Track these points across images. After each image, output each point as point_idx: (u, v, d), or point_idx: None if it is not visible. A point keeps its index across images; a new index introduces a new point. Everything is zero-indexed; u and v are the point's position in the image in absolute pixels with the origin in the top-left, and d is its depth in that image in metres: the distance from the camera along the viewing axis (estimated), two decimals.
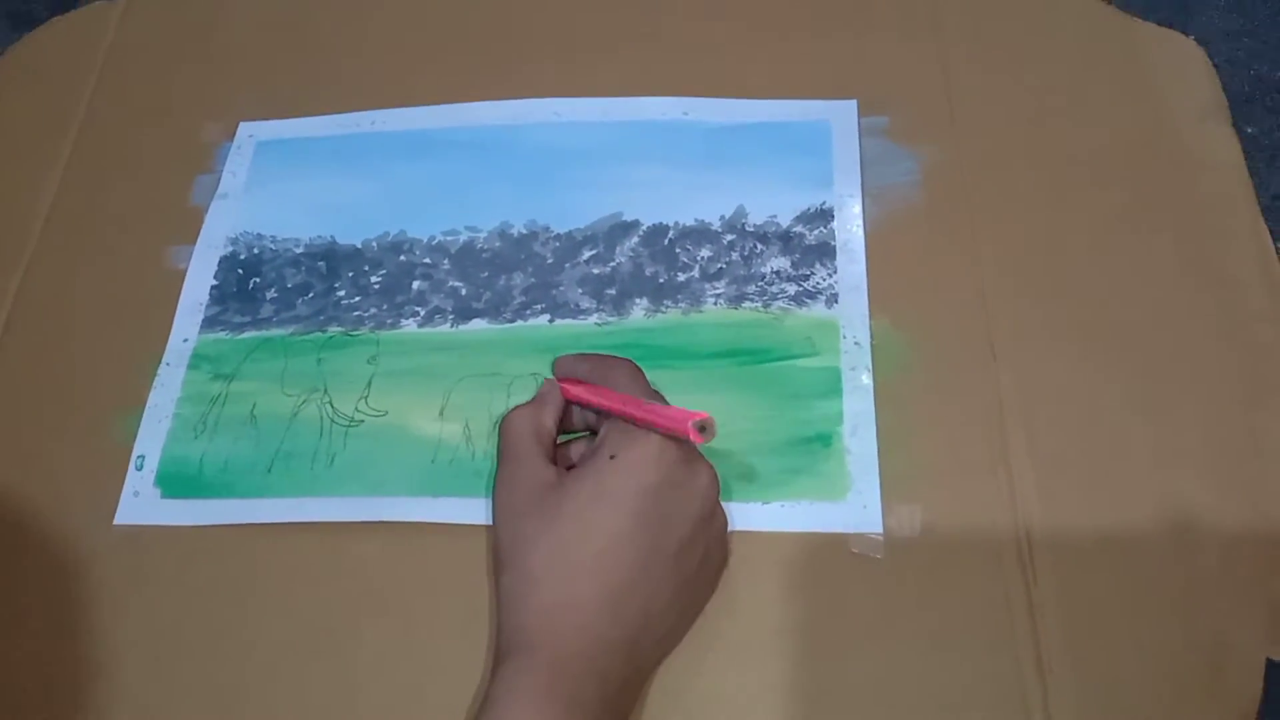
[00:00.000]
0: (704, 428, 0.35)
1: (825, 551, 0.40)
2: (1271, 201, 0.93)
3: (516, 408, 0.42)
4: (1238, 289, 0.45)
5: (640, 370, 0.42)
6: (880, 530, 0.41)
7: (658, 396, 0.41)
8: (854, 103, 0.51)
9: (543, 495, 0.38)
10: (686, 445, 0.38)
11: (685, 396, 0.43)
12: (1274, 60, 0.98)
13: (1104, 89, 0.51)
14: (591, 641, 0.35)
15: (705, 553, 0.38)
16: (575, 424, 0.43)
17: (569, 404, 0.42)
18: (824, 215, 0.48)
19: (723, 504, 0.40)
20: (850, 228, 0.48)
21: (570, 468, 0.40)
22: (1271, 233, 0.46)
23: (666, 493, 0.37)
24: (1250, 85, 0.97)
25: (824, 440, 0.42)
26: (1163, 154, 0.48)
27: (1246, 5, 1.00)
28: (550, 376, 0.44)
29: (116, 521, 0.44)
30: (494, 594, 0.39)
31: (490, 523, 0.41)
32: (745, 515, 0.41)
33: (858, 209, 0.48)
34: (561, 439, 0.43)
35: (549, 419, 0.41)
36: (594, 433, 0.42)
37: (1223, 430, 0.42)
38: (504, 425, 0.41)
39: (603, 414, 0.41)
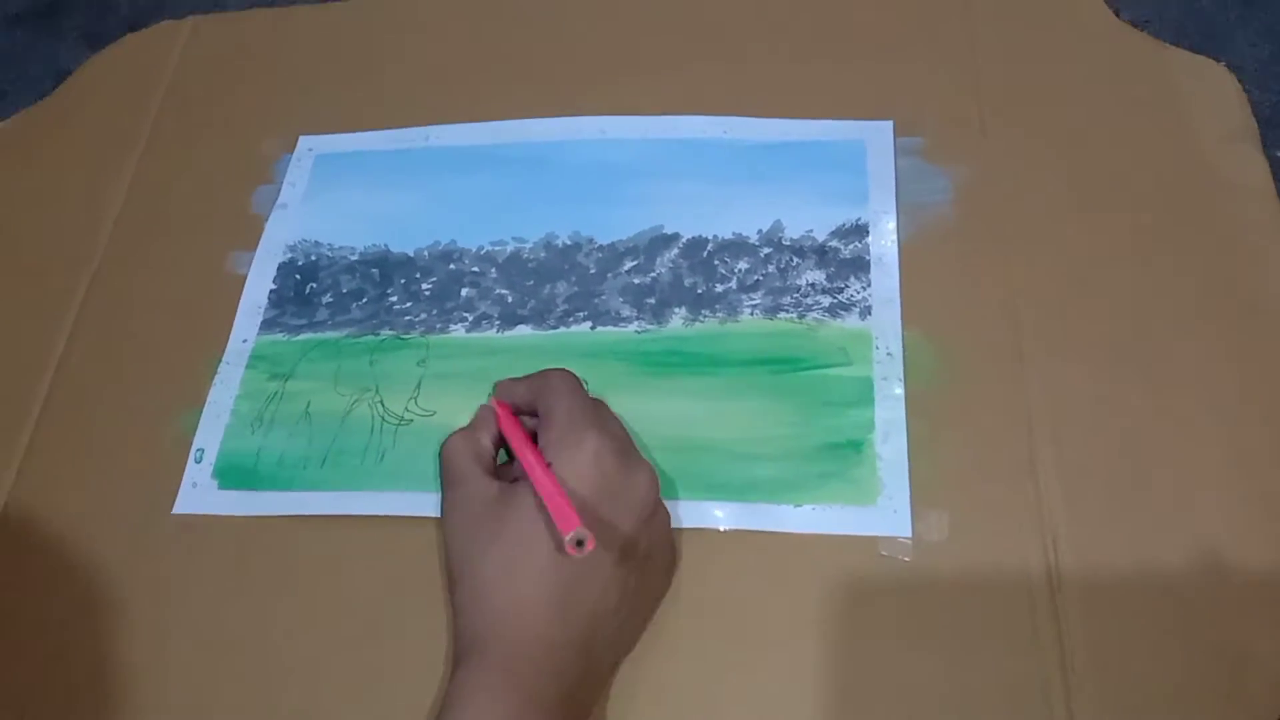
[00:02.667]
0: (580, 542, 0.34)
1: (855, 554, 0.42)
2: None
3: (452, 434, 0.43)
4: (1263, 307, 0.45)
5: (578, 381, 0.42)
6: (909, 534, 0.42)
7: (597, 406, 0.42)
8: (890, 123, 0.52)
9: (487, 509, 0.39)
10: (623, 445, 0.40)
11: (721, 402, 0.45)
12: None
13: (1135, 112, 0.52)
14: (541, 642, 0.36)
15: (647, 552, 0.39)
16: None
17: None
18: (859, 230, 0.50)
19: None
20: (884, 243, 0.49)
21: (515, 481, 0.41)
22: None
23: (604, 498, 0.38)
24: (1279, 110, 0.97)
25: (855, 446, 0.44)
26: (1192, 176, 0.49)
27: (1276, 33, 1.01)
28: (487, 403, 0.45)
29: (175, 511, 0.46)
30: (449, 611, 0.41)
31: None
32: (778, 517, 0.43)
33: (892, 225, 0.49)
34: (503, 461, 0.44)
35: (485, 440, 0.43)
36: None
37: (1247, 445, 0.42)
38: (442, 452, 0.43)
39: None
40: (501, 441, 0.43)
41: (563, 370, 0.43)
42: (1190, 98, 0.52)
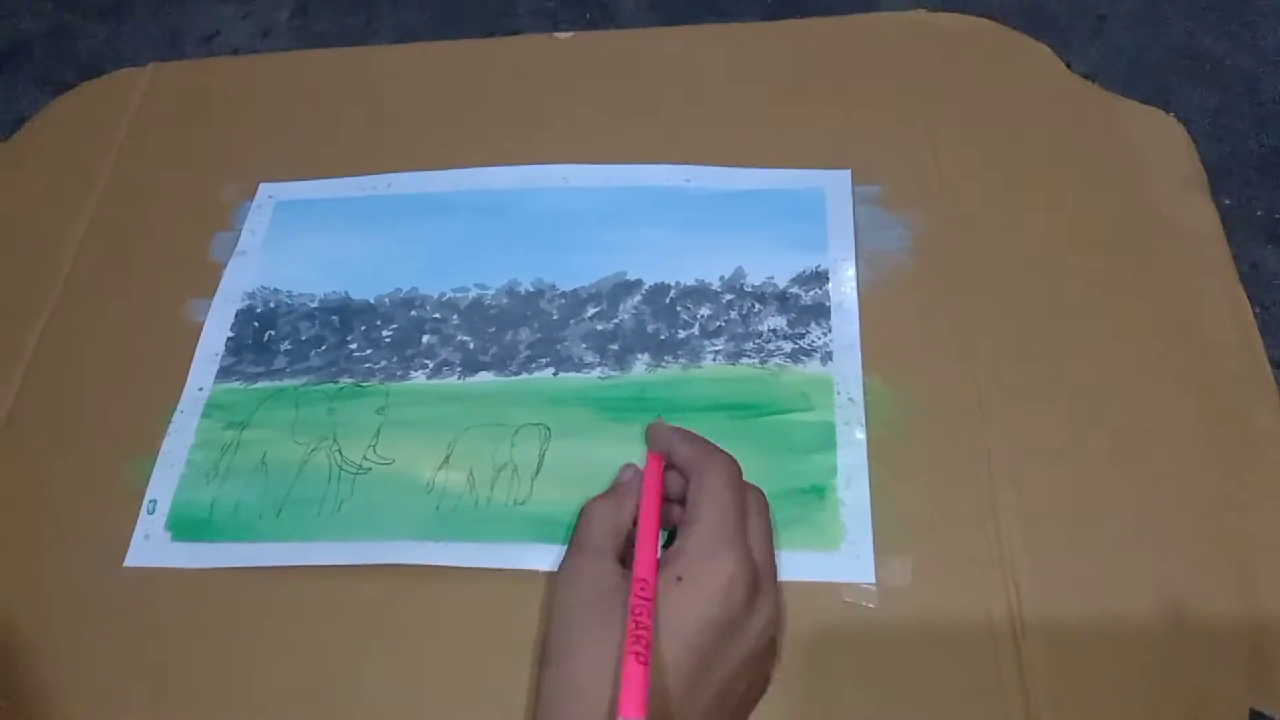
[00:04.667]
0: None
1: (819, 600, 0.41)
2: (1249, 270, 0.95)
3: (598, 499, 0.41)
4: (1217, 352, 0.46)
5: (739, 474, 0.39)
6: (873, 580, 0.42)
7: (746, 512, 0.38)
8: (848, 172, 0.53)
9: (602, 598, 0.36)
10: (759, 575, 0.36)
11: None
12: (1249, 135, 1.01)
13: (1088, 161, 0.53)
14: None
15: (748, 688, 0.37)
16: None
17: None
18: (819, 277, 0.50)
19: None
20: (844, 289, 0.49)
21: None
22: (1249, 298, 0.48)
23: (726, 630, 0.35)
24: (1227, 159, 1.00)
25: (818, 492, 0.44)
26: (1144, 224, 0.50)
27: (1223, 83, 1.04)
28: (634, 466, 0.43)
29: (127, 563, 0.45)
30: (533, 684, 0.39)
31: (494, 565, 0.43)
32: None
33: (851, 272, 0.50)
34: None
35: (627, 515, 0.40)
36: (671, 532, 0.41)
37: (1203, 487, 0.43)
38: (584, 515, 0.40)
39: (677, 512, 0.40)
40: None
41: (728, 458, 0.40)
42: (1141, 147, 0.53)
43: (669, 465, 0.42)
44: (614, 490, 0.42)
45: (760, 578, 0.37)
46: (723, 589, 0.35)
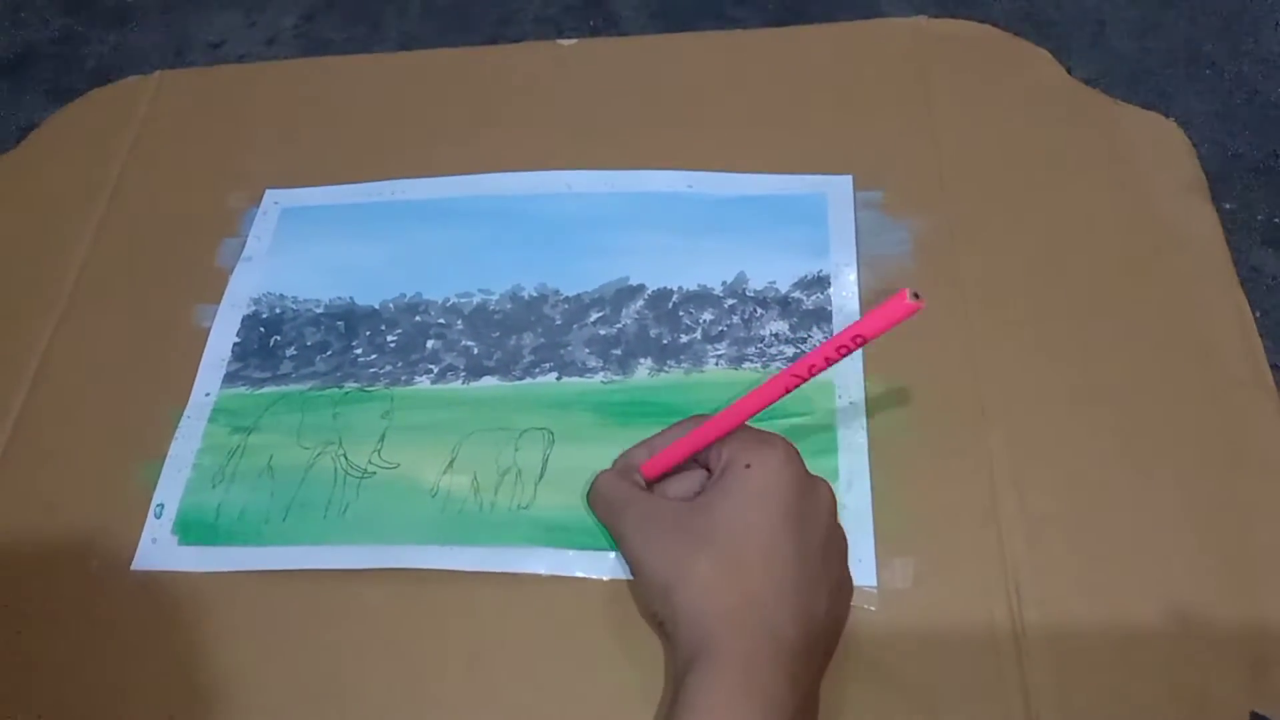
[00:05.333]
0: (917, 294, 0.33)
1: None
2: (1249, 273, 0.96)
3: (599, 475, 0.43)
4: (1217, 355, 0.46)
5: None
6: (875, 583, 0.42)
7: None
8: (849, 177, 0.54)
9: (684, 518, 0.39)
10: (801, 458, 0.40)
11: None
12: (1249, 140, 1.02)
13: (1089, 166, 0.53)
14: (775, 639, 0.35)
15: (841, 558, 0.40)
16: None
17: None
18: (821, 282, 0.50)
19: None
20: (845, 294, 0.50)
21: None
22: (1249, 302, 0.48)
23: (804, 496, 0.38)
24: (1227, 164, 1.00)
25: None
26: (1145, 228, 0.51)
27: (1223, 89, 1.04)
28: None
29: (134, 567, 0.46)
30: (656, 623, 0.41)
31: (498, 569, 0.43)
32: None
33: (853, 276, 0.50)
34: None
35: (635, 474, 0.43)
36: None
37: (1204, 489, 0.43)
38: (596, 490, 0.43)
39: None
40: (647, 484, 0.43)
41: (699, 416, 0.43)
42: (1141, 152, 0.53)
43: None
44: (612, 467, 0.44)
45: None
46: (785, 459, 0.39)
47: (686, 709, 0.34)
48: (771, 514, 0.37)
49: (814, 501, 0.39)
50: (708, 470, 0.41)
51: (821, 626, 0.38)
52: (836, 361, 0.36)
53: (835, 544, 0.40)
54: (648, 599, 0.41)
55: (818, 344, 0.48)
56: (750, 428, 0.40)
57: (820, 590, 0.38)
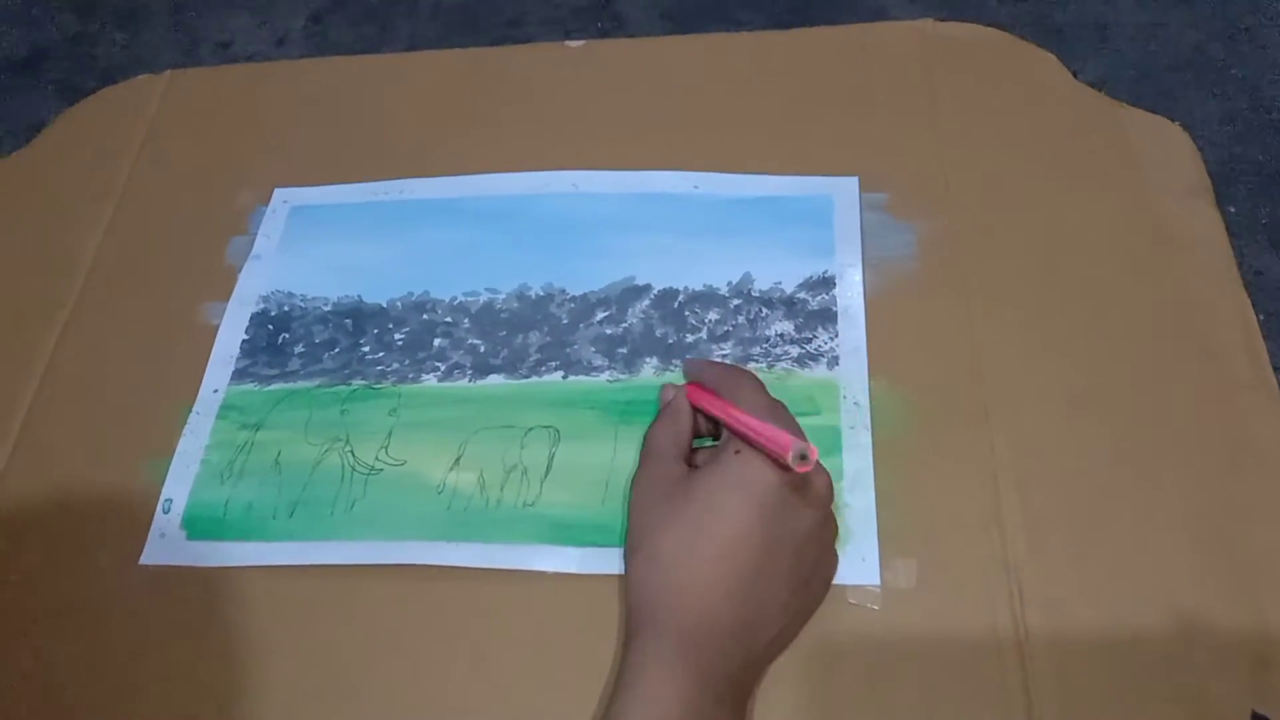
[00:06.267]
0: (804, 456, 0.35)
1: (824, 602, 0.42)
2: (1253, 276, 0.96)
3: (656, 422, 0.44)
4: (1222, 358, 0.47)
5: (761, 384, 0.43)
6: (878, 582, 0.42)
7: (779, 406, 0.42)
8: (855, 179, 0.54)
9: (673, 487, 0.40)
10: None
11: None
12: (1253, 144, 1.02)
13: (1094, 169, 0.53)
14: (713, 623, 0.37)
15: (819, 557, 0.40)
16: (701, 430, 0.45)
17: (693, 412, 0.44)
18: (826, 283, 0.51)
19: None
20: (851, 295, 0.50)
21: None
22: (1254, 305, 0.48)
23: (788, 491, 0.38)
24: (1232, 167, 1.00)
25: None
26: (1150, 230, 0.51)
27: (1228, 93, 1.05)
28: (669, 384, 0.46)
29: (142, 561, 0.46)
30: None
31: (503, 566, 0.44)
32: None
33: (858, 277, 0.50)
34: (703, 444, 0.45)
35: (685, 428, 0.44)
36: (716, 438, 0.44)
37: (1207, 492, 0.43)
38: (649, 437, 0.44)
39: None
40: (695, 431, 0.44)
41: (750, 373, 0.44)
42: (1146, 155, 0.53)
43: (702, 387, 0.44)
44: (666, 410, 0.45)
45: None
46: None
47: (628, 669, 0.37)
48: (745, 504, 0.38)
49: (799, 500, 0.39)
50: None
51: (774, 616, 0.39)
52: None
53: (816, 535, 0.40)
54: (624, 556, 0.42)
55: (822, 344, 0.48)
56: (762, 405, 0.41)
57: (780, 582, 0.38)
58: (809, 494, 0.39)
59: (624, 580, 0.41)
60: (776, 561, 0.38)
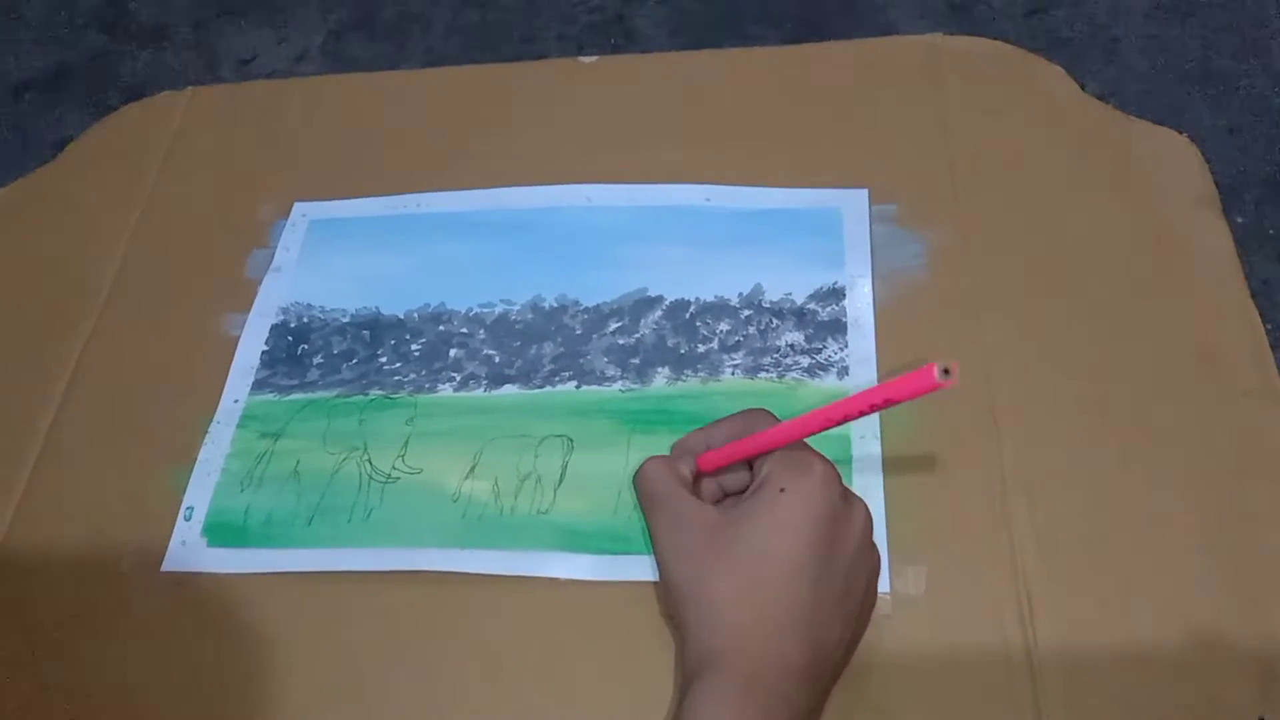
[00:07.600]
0: (948, 370, 0.32)
1: None
2: (1260, 286, 0.96)
3: (650, 459, 0.43)
4: (1229, 367, 0.47)
5: (772, 413, 0.43)
6: (888, 589, 0.43)
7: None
8: (865, 191, 0.54)
9: (712, 532, 0.39)
10: (840, 481, 0.40)
11: None
12: (1260, 156, 1.02)
13: (1101, 180, 0.54)
14: (779, 663, 0.36)
15: (866, 585, 0.40)
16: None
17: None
18: (836, 294, 0.51)
19: None
20: (860, 305, 0.51)
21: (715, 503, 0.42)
22: (1260, 315, 0.48)
23: (833, 523, 0.38)
24: (1239, 178, 1.00)
25: None
26: (1157, 240, 0.51)
27: (1235, 105, 1.05)
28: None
29: (164, 568, 0.47)
30: (673, 632, 0.42)
31: (518, 572, 0.44)
32: None
33: (868, 288, 0.51)
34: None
35: (685, 468, 0.43)
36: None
37: (1215, 501, 0.44)
38: (642, 476, 0.43)
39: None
40: (698, 474, 0.43)
41: (764, 410, 0.43)
42: (1154, 167, 0.54)
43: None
44: (666, 456, 0.44)
45: (840, 481, 0.40)
46: (821, 485, 0.39)
47: (690, 714, 0.35)
48: (795, 544, 0.38)
49: (845, 527, 0.39)
50: (750, 473, 0.42)
51: (831, 652, 0.38)
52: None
53: (863, 566, 0.40)
54: (667, 600, 0.41)
55: (832, 354, 0.49)
56: (799, 442, 0.41)
57: (835, 617, 0.38)
58: (851, 522, 0.39)
59: (667, 616, 0.42)
60: (828, 597, 0.38)
